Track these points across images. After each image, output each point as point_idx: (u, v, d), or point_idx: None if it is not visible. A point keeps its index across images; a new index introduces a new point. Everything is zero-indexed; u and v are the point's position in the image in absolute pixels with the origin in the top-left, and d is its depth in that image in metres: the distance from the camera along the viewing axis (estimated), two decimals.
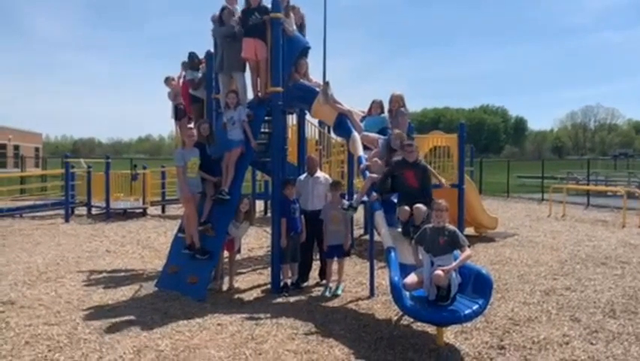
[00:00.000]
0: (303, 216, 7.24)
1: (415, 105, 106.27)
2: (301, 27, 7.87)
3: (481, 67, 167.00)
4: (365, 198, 6.74)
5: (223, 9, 7.59)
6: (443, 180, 7.12)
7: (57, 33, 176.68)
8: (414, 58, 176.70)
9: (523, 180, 30.96)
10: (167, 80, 9.44)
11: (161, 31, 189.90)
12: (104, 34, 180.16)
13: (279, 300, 6.72)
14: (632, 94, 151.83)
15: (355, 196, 7.36)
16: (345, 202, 7.02)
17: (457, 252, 5.24)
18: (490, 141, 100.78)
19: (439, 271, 4.95)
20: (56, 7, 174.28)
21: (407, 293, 5.12)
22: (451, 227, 5.30)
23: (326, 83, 7.52)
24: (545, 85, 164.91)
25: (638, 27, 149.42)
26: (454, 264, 5.06)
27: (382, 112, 7.78)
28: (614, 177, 27.22)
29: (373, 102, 7.82)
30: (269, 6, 7.23)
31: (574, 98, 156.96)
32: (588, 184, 22.61)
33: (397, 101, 7.28)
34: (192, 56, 8.64)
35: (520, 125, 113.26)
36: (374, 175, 6.48)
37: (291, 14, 7.60)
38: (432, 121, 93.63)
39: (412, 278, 5.19)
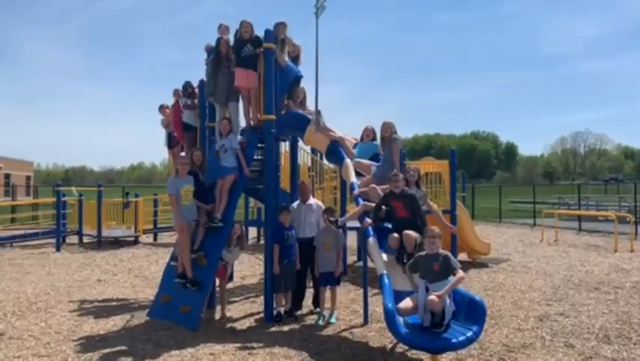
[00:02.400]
0: (297, 244, 7.22)
1: (406, 132, 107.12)
2: (296, 58, 7.98)
3: (471, 93, 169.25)
4: (357, 225, 6.76)
5: (219, 40, 7.70)
6: (435, 206, 7.14)
7: (48, 62, 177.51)
8: (405, 85, 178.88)
9: (516, 205, 31.11)
10: (161, 108, 9.51)
11: (154, 60, 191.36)
12: (96, 63, 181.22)
13: (273, 329, 6.66)
14: (621, 120, 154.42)
15: (346, 216, 7.37)
16: (332, 218, 7.05)
17: (451, 277, 5.25)
18: (481, 166, 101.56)
19: (432, 297, 4.95)
20: (48, 35, 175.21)
21: (401, 320, 5.10)
22: (444, 252, 5.32)
23: (318, 112, 7.61)
24: (535, 111, 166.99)
25: (626, 54, 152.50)
26: (446, 288, 5.06)
27: (374, 139, 7.86)
28: (604, 202, 27.44)
29: (365, 129, 7.92)
30: (261, 36, 7.35)
31: (563, 124, 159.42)
32: (579, 209, 22.77)
33: (389, 129, 7.36)
34: (187, 85, 8.74)
35: (510, 150, 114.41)
36: (368, 203, 6.50)
37: (285, 47, 7.71)
38: (423, 147, 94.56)
39: (406, 303, 5.18)
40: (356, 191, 6.86)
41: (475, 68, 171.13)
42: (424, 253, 5.37)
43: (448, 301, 5.06)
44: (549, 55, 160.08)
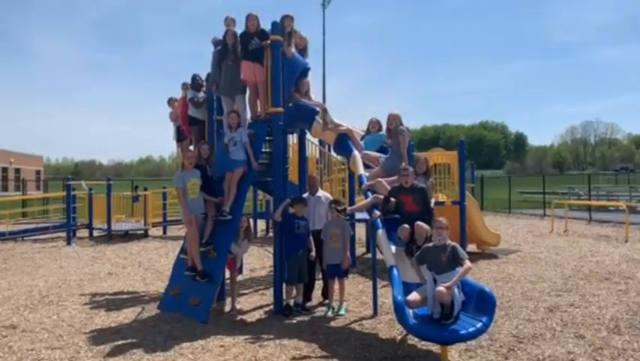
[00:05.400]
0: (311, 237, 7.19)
1: (414, 122, 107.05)
2: (304, 50, 7.95)
3: (479, 83, 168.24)
4: (366, 216, 6.75)
5: (226, 32, 7.69)
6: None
7: (58, 56, 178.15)
8: (413, 75, 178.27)
9: (525, 195, 30.94)
10: (170, 101, 9.52)
11: (162, 53, 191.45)
12: (105, 57, 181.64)
13: (282, 321, 6.69)
14: (631, 109, 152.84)
15: (354, 206, 7.37)
16: (340, 207, 7.04)
17: (459, 268, 5.24)
18: (490, 157, 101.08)
19: (441, 288, 4.95)
20: (57, 29, 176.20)
21: (411, 312, 5.10)
22: (452, 243, 5.31)
23: (323, 110, 7.59)
24: (544, 100, 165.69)
25: (635, 43, 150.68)
26: (454, 279, 5.06)
27: (380, 129, 7.84)
28: (615, 192, 27.22)
29: (371, 121, 7.90)
30: (268, 29, 7.34)
31: (573, 114, 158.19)
32: (590, 199, 22.61)
33: (395, 120, 7.31)
34: (195, 77, 8.74)
35: (520, 140, 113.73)
36: (378, 196, 6.49)
37: (293, 40, 7.68)
38: (432, 138, 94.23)
39: (414, 296, 5.18)
40: (365, 185, 6.84)
41: (483, 57, 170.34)
42: (431, 244, 5.36)
43: (456, 291, 5.05)
44: (558, 43, 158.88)
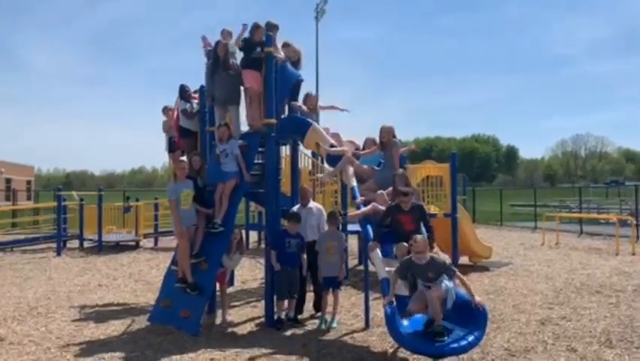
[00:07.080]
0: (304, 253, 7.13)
1: (406, 135, 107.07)
2: (297, 62, 7.98)
3: (471, 97, 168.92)
4: (359, 228, 6.74)
5: (217, 43, 7.72)
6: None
7: (50, 66, 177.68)
8: (406, 88, 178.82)
9: (516, 208, 31.06)
10: (165, 110, 9.47)
11: (155, 65, 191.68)
12: (97, 68, 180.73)
13: (274, 334, 6.64)
14: (621, 123, 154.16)
15: (352, 213, 7.36)
16: (342, 211, 7.03)
17: (446, 279, 5.30)
18: (482, 169, 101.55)
19: (433, 292, 5.05)
20: (49, 40, 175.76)
21: (403, 322, 5.12)
22: (430, 256, 5.33)
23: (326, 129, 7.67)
24: (535, 114, 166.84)
25: (625, 57, 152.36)
26: (464, 289, 5.19)
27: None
28: (606, 205, 27.39)
29: (367, 140, 7.93)
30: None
31: (564, 127, 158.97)
32: (581, 212, 22.72)
33: (388, 133, 7.33)
34: (184, 87, 8.73)
35: (511, 153, 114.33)
36: (377, 205, 6.47)
37: (279, 47, 7.71)
38: (424, 150, 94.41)
39: (414, 304, 5.24)
40: (358, 200, 6.83)
41: (475, 70, 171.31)
42: (415, 262, 5.35)
43: (449, 285, 5.14)
44: (550, 57, 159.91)
